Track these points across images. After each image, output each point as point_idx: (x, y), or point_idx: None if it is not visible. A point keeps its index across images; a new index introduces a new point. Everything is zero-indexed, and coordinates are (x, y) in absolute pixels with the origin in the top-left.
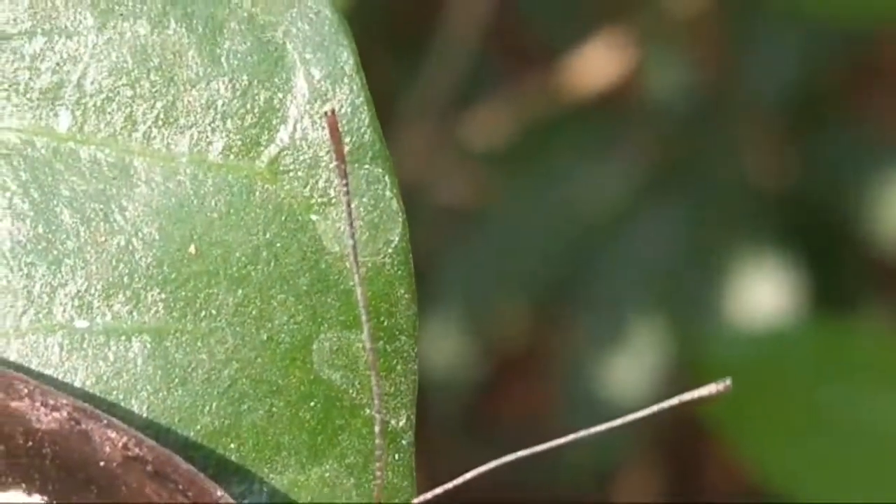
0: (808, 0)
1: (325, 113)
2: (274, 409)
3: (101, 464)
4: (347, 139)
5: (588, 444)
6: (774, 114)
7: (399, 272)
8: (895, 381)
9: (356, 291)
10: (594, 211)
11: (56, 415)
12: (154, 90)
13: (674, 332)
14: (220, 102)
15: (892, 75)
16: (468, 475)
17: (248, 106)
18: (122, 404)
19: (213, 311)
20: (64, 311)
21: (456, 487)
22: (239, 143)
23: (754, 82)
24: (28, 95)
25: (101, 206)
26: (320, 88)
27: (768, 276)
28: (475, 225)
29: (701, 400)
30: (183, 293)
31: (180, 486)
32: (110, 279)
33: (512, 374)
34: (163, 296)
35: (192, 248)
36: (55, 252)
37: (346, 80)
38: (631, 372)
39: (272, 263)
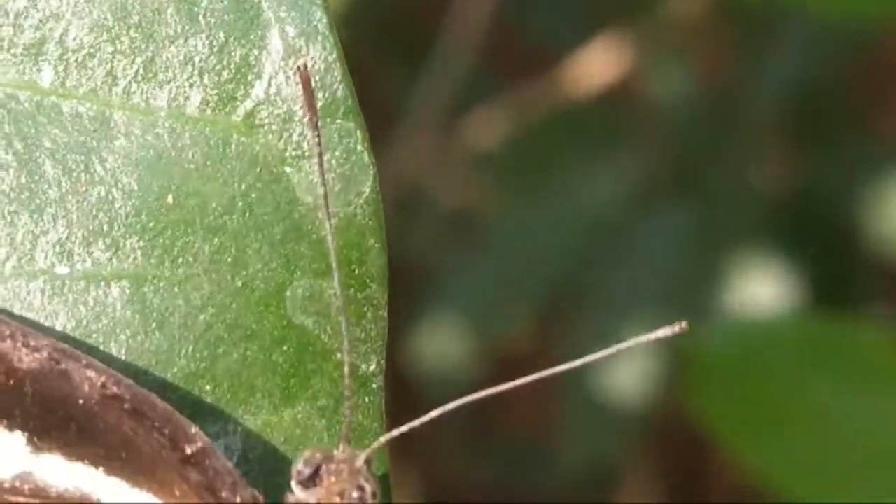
0: (813, 1)
1: (298, 68)
2: (248, 353)
3: (80, 402)
4: (320, 94)
5: (586, 446)
6: (778, 116)
7: (370, 222)
8: (888, 379)
9: (328, 241)
10: (596, 214)
11: (37, 355)
12: (134, 46)
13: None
14: (197, 59)
15: None
16: (434, 413)
17: (225, 62)
18: (102, 347)
19: (190, 259)
20: (45, 257)
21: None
22: (216, 97)
23: (758, 85)
24: (12, 51)
25: (82, 158)
26: (294, 45)
27: (771, 279)
28: (477, 229)
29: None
30: (161, 241)
31: (157, 424)
32: (90, 227)
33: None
34: (141, 244)
35: (169, 198)
36: (37, 201)
37: (319, 37)
38: (633, 374)
39: (247, 213)
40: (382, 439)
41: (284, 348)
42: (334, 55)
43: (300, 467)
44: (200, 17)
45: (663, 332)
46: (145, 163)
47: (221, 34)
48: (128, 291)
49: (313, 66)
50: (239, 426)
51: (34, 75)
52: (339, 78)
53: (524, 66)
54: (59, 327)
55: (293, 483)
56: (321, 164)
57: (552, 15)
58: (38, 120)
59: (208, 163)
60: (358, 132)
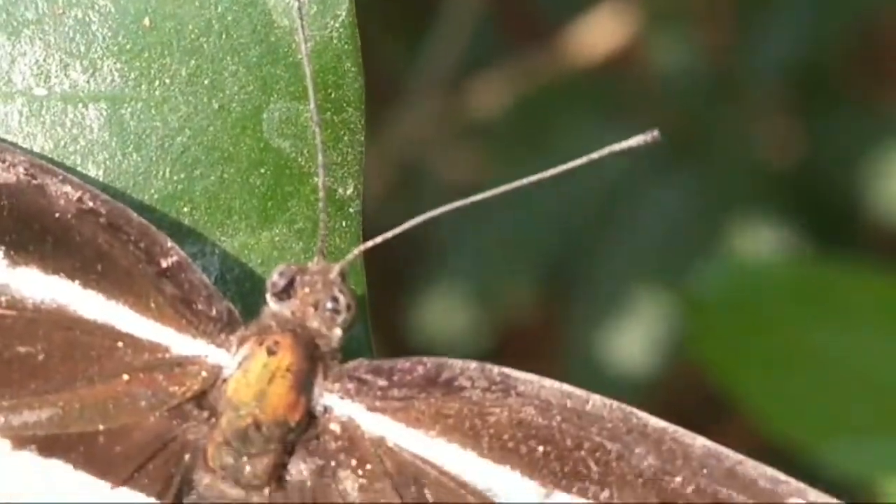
0: None
1: None
2: (225, 176)
3: (56, 216)
4: None
5: None
6: (782, 87)
7: (346, 46)
8: (885, 318)
9: (304, 64)
10: (599, 183)
11: (13, 170)
12: None
13: (678, 305)
14: None
15: None
16: (410, 223)
17: None
18: (79, 169)
19: (167, 81)
20: (23, 78)
21: None
22: None
23: (760, 53)
24: None
25: None
26: None
27: (770, 246)
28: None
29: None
30: (138, 63)
31: (132, 238)
32: (68, 49)
33: (518, 347)
34: (118, 65)
35: (146, 21)
36: (14, 23)
37: None
38: (635, 345)
39: (223, 36)
40: (357, 250)
41: (261, 171)
42: None
43: (275, 279)
44: None
45: (636, 139)
46: None
47: None
48: (105, 113)
49: None
50: (216, 248)
51: None
52: None
53: (528, 34)
54: (36, 148)
55: (268, 296)
56: None
57: None
58: None
59: None
60: None
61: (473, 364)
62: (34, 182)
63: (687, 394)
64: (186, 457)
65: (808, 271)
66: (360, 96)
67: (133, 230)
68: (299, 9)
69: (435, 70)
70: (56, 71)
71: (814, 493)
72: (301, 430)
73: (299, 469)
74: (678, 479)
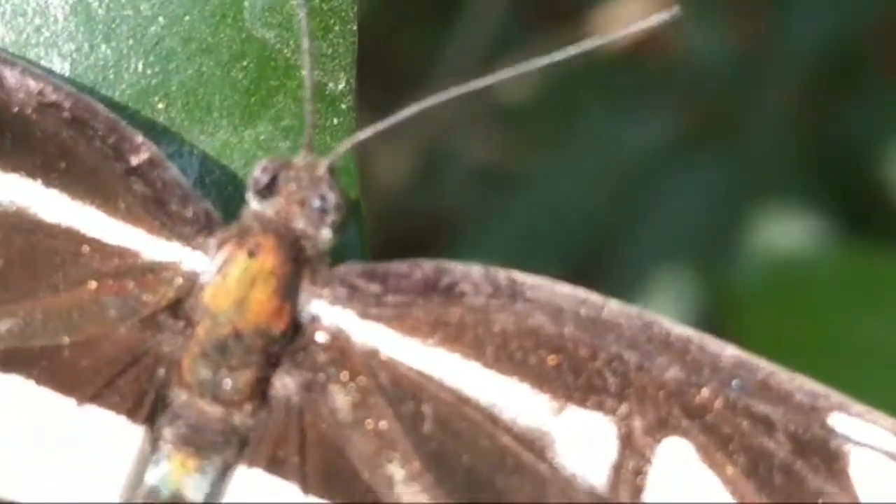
0: None
1: None
2: (204, 69)
3: (15, 109)
4: None
5: None
6: (811, 70)
7: None
8: None
9: None
10: (627, 165)
11: None
12: None
13: (708, 287)
14: None
15: None
16: (407, 110)
17: None
18: (43, 62)
19: None
20: None
21: None
22: None
23: (791, 37)
24: None
25: None
26: None
27: (801, 227)
28: (508, 180)
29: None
30: None
31: (99, 133)
32: None
33: None
34: None
35: None
36: None
37: None
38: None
39: None
40: (347, 142)
41: (244, 63)
42: None
43: (257, 175)
44: None
45: (655, 18)
46: None
47: None
48: (71, 1)
49: None
50: (195, 148)
51: None
52: None
53: (556, 18)
54: None
55: (250, 194)
56: None
57: None
58: None
59: None
60: None
61: (477, 267)
62: None
63: None
64: (160, 371)
65: (849, 262)
66: None
67: (100, 125)
68: None
69: (461, 54)
70: None
71: (857, 407)
72: (286, 340)
73: (284, 384)
74: (705, 391)
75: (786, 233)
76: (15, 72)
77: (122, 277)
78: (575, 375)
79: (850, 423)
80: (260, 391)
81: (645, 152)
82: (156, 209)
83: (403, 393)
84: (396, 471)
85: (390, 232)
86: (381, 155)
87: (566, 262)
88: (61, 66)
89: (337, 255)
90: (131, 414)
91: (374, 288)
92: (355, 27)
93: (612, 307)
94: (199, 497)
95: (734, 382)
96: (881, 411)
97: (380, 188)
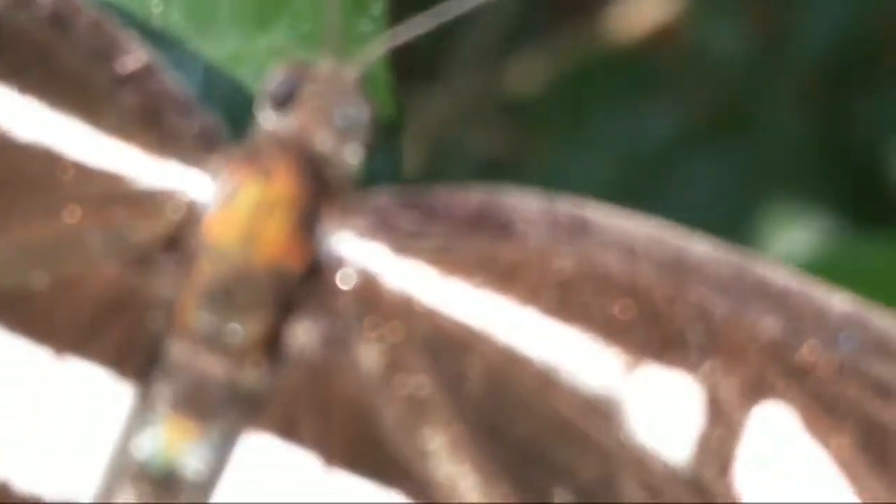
0: None
1: None
2: None
3: None
4: None
5: None
6: (825, 64)
7: None
8: None
9: None
10: (638, 161)
11: None
12: None
13: None
14: None
15: None
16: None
17: None
18: None
19: None
20: None
21: None
22: None
23: (805, 31)
24: None
25: None
26: None
27: (815, 226)
28: (518, 173)
29: None
30: None
31: (84, 33)
32: None
33: None
34: None
35: None
36: None
37: None
38: None
39: None
40: (381, 45)
41: None
42: None
43: (272, 83)
44: None
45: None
46: None
47: None
48: None
49: None
50: (198, 57)
51: None
52: None
53: (568, 10)
54: None
55: (263, 107)
56: None
57: None
58: None
59: None
60: None
61: (534, 199)
62: None
63: None
64: (153, 318)
65: (862, 258)
66: None
67: (85, 24)
68: None
69: (473, 45)
70: None
71: None
72: (304, 282)
73: (302, 336)
74: (808, 347)
75: (798, 228)
76: None
77: (110, 206)
78: (650, 328)
79: None
80: (272, 343)
81: (656, 146)
82: (150, 125)
83: (444, 348)
84: (435, 441)
85: None
86: None
87: None
88: None
89: (366, 184)
90: (120, 368)
91: (411, 220)
92: None
93: (697, 248)
94: (200, 467)
95: (843, 337)
96: None
97: None
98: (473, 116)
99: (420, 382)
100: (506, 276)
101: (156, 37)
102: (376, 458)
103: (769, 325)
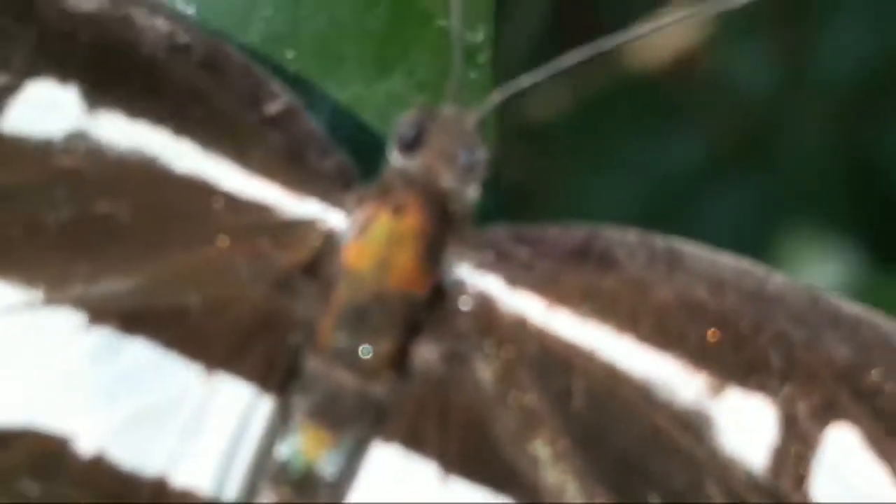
0: None
1: None
2: (336, 16)
3: (144, 52)
4: None
5: None
6: (846, 92)
7: None
8: None
9: None
10: (659, 189)
11: None
12: None
13: None
14: None
15: None
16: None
17: None
18: (170, 5)
19: None
20: None
21: None
22: None
23: (828, 61)
24: None
25: None
26: None
27: (835, 257)
28: (538, 203)
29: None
30: None
31: (233, 78)
32: None
33: None
34: None
35: None
36: None
37: None
38: None
39: None
40: (496, 96)
41: (378, 11)
42: None
43: (403, 128)
44: None
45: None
46: None
47: None
48: None
49: None
50: (325, 100)
51: None
52: None
53: (589, 31)
54: None
55: (392, 149)
56: None
57: None
58: None
59: None
60: None
61: (633, 233)
62: (119, 12)
63: None
64: (294, 337)
65: (884, 289)
66: None
67: (234, 70)
68: None
69: (495, 70)
70: None
71: None
72: (428, 306)
73: (425, 353)
74: (876, 373)
75: (821, 257)
76: (144, 11)
77: (256, 235)
78: (736, 352)
79: None
80: (399, 360)
81: (679, 173)
82: (292, 162)
83: (552, 367)
84: (542, 450)
85: None
86: None
87: None
88: (186, 11)
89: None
90: (263, 382)
91: (523, 252)
92: None
93: (777, 280)
94: (334, 473)
95: None
96: None
97: None
98: (496, 139)
99: (530, 397)
100: (608, 303)
101: (287, 82)
102: (489, 467)
103: (841, 352)
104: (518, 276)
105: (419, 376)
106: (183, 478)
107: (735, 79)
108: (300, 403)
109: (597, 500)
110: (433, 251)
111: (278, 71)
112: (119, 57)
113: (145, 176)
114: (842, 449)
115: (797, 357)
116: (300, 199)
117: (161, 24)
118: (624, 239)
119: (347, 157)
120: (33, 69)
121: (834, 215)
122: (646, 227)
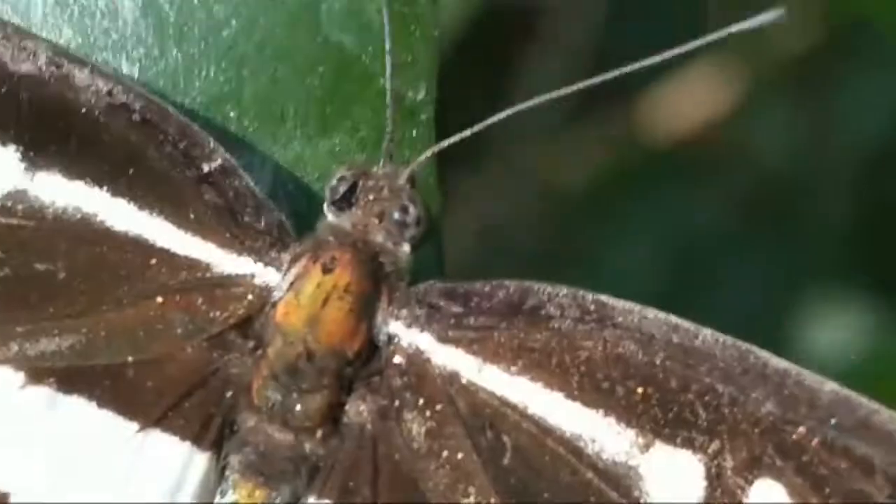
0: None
1: None
2: (278, 76)
3: (83, 111)
4: None
5: None
6: (868, 159)
7: None
8: None
9: None
10: (682, 253)
11: (35, 58)
12: None
13: None
14: None
15: None
16: (489, 120)
17: None
18: (111, 66)
19: None
20: None
21: None
22: None
23: (847, 127)
24: None
25: None
26: None
27: (856, 321)
28: (561, 267)
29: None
30: None
31: (170, 137)
32: None
33: None
34: None
35: None
36: None
37: None
38: None
39: None
40: (430, 151)
41: (320, 70)
42: None
43: (334, 184)
44: None
45: (760, 19)
46: None
47: None
48: (141, 2)
49: None
50: (267, 159)
51: None
52: None
53: (611, 95)
54: (63, 43)
55: (326, 205)
56: None
57: (643, 42)
58: None
59: None
60: None
61: (564, 290)
62: (59, 72)
63: None
64: (228, 394)
65: None
66: None
67: (171, 129)
68: None
69: (515, 134)
70: None
71: None
72: (361, 363)
73: (358, 410)
74: (801, 429)
75: (842, 322)
76: (84, 71)
77: (191, 293)
78: (665, 408)
79: None
80: (332, 417)
81: (700, 239)
82: (227, 220)
83: (483, 422)
84: (472, 502)
85: None
86: None
87: None
88: (130, 71)
89: (413, 274)
90: (197, 440)
91: (455, 309)
92: (437, 33)
93: (706, 335)
94: None
95: (832, 421)
96: None
97: None
98: (518, 209)
99: (460, 452)
100: (539, 359)
101: (230, 141)
102: None
103: (767, 408)
104: (450, 332)
105: (352, 432)
106: None
107: (758, 146)
108: (235, 461)
109: None
110: (364, 308)
111: (221, 130)
112: (58, 116)
113: (83, 234)
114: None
115: (724, 413)
116: (235, 257)
117: (100, 82)
118: (555, 294)
119: (286, 214)
120: None
121: (856, 278)
122: (670, 292)
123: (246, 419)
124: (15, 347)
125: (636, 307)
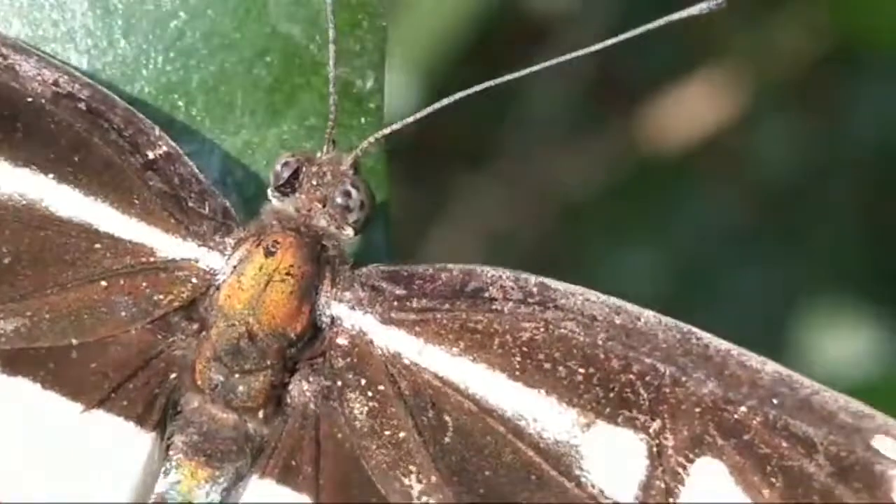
0: None
1: None
2: (226, 65)
3: (28, 100)
4: None
5: None
6: (873, 169)
7: None
8: None
9: None
10: (686, 262)
11: None
12: None
13: None
14: None
15: None
16: (435, 105)
17: None
18: (60, 57)
19: None
20: None
21: None
22: None
23: (855, 135)
24: None
25: None
26: None
27: (860, 330)
28: (565, 276)
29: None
30: None
31: (115, 126)
32: None
33: None
34: None
35: None
36: None
37: None
38: None
39: None
40: (373, 137)
41: (268, 60)
42: None
43: (278, 169)
44: None
45: (698, 7)
46: None
47: None
48: None
49: None
50: (216, 147)
51: None
52: None
53: (616, 105)
54: (12, 34)
55: (270, 190)
56: None
57: (649, 55)
58: None
59: None
60: None
61: (507, 273)
62: (4, 62)
63: None
64: (172, 376)
65: None
66: None
67: (117, 117)
68: None
69: (519, 144)
70: None
71: None
72: (303, 344)
73: (301, 390)
74: (743, 408)
75: (846, 331)
76: (31, 61)
77: (135, 276)
78: (607, 388)
79: None
80: (275, 398)
81: (703, 247)
82: (172, 205)
83: (424, 402)
84: (414, 484)
85: None
86: (440, 246)
87: None
88: (78, 62)
89: (361, 257)
90: (141, 420)
91: (398, 291)
92: (384, 23)
93: (649, 317)
94: None
95: (774, 401)
96: None
97: None
98: (521, 215)
99: (402, 432)
100: (480, 340)
101: (178, 129)
102: (362, 501)
103: (709, 388)
104: (392, 314)
105: (295, 412)
106: None
107: (762, 155)
108: (179, 440)
109: None
110: (307, 290)
111: (169, 119)
112: (4, 104)
113: (28, 219)
114: (709, 482)
115: (666, 393)
116: (180, 242)
117: (46, 72)
118: (498, 277)
119: (232, 201)
120: None
121: (861, 288)
122: (672, 300)
123: (189, 400)
124: None
125: (579, 289)
